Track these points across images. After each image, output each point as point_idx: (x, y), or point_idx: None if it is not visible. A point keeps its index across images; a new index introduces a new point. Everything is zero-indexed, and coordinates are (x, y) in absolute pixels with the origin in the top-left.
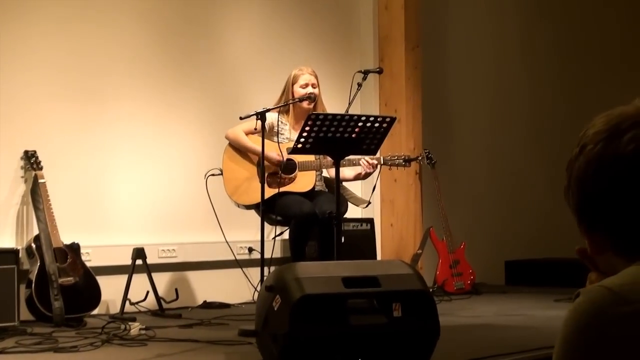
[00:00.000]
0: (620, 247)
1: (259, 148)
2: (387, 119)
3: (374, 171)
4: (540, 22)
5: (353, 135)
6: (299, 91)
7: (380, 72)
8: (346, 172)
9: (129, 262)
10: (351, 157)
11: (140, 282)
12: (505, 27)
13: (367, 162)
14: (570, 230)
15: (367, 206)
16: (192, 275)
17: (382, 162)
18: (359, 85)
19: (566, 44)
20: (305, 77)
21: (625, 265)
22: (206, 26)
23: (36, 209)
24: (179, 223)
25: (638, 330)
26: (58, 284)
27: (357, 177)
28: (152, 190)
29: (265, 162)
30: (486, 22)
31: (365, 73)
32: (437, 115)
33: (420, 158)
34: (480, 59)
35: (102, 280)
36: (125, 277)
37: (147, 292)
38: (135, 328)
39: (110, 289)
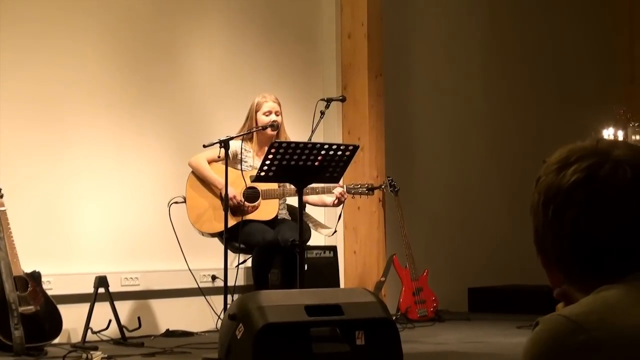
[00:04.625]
0: (570, 279)
1: (221, 180)
2: (350, 147)
3: (345, 200)
4: (502, 52)
5: (316, 164)
6: (262, 119)
7: (343, 100)
8: (315, 198)
9: (91, 290)
10: (314, 185)
11: (102, 311)
12: (467, 56)
13: (341, 193)
14: (531, 256)
15: (332, 234)
16: (155, 304)
17: (345, 191)
18: (322, 113)
19: (528, 75)
20: (269, 105)
21: (581, 296)
22: (169, 53)
23: None
24: (142, 251)
25: (594, 358)
26: (18, 313)
27: (327, 205)
28: (115, 218)
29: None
30: (448, 51)
31: (328, 101)
32: (399, 144)
33: (383, 186)
34: (442, 87)
35: (63, 309)
36: (87, 306)
37: (110, 321)
38: (97, 357)
39: (72, 318)
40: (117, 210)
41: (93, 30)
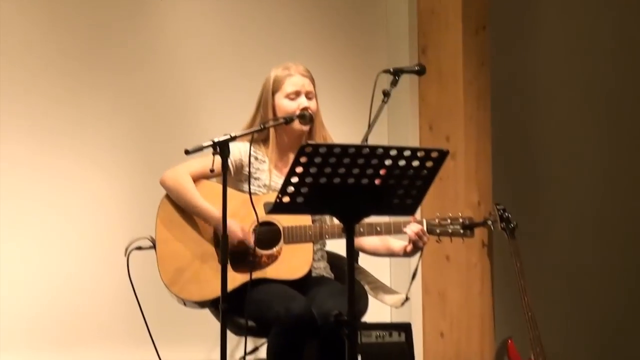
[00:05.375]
0: None
1: (216, 211)
2: (434, 154)
3: (424, 245)
4: None
5: (376, 182)
6: (284, 105)
7: (420, 72)
8: (376, 241)
9: None
10: (373, 220)
11: None
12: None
13: (418, 233)
14: None
15: (403, 304)
16: None
17: (425, 229)
18: (386, 95)
19: None
20: (295, 81)
21: None
22: (136, 8)
23: None
24: (80, 332)
25: None
26: None
27: (394, 253)
28: (34, 277)
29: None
30: None
31: (396, 74)
32: (517, 147)
33: (490, 221)
34: (588, 48)
35: None
36: None
37: None
38: None
39: None
40: (38, 263)
41: None
